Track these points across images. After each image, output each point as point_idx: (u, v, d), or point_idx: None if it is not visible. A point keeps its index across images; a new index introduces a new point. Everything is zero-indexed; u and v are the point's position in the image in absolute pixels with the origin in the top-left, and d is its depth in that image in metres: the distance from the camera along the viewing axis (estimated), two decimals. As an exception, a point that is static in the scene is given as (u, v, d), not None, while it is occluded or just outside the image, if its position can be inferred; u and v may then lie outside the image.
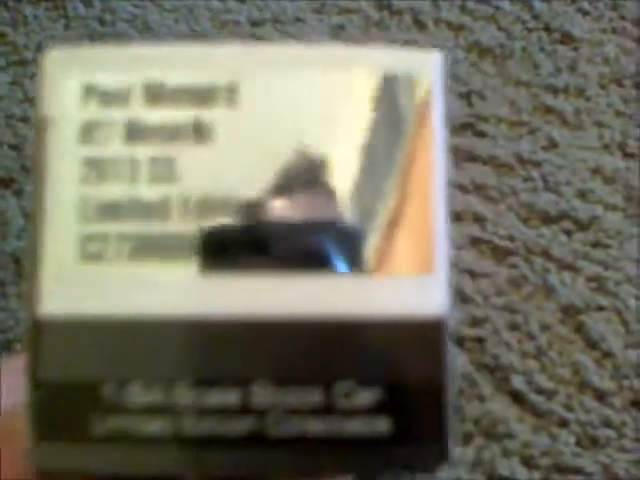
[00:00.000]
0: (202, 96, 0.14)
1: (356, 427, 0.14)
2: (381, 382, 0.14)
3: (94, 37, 0.43)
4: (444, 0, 0.42)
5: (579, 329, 0.34)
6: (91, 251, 0.14)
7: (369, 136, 0.15)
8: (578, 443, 0.32)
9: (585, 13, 0.42)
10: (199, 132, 0.14)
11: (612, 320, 0.34)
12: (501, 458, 0.32)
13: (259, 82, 0.14)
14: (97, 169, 0.14)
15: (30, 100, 0.41)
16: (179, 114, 0.14)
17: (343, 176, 0.14)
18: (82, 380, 0.14)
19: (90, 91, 0.14)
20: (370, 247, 0.14)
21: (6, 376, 0.19)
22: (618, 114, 0.39)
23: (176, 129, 0.14)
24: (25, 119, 0.40)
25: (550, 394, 0.32)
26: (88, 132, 0.14)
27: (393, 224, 0.14)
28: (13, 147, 0.40)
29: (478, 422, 0.33)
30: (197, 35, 0.44)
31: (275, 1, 0.43)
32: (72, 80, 0.14)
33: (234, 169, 0.14)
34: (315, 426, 0.14)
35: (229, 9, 0.45)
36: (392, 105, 0.15)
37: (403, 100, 0.15)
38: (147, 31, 0.43)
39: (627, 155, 0.39)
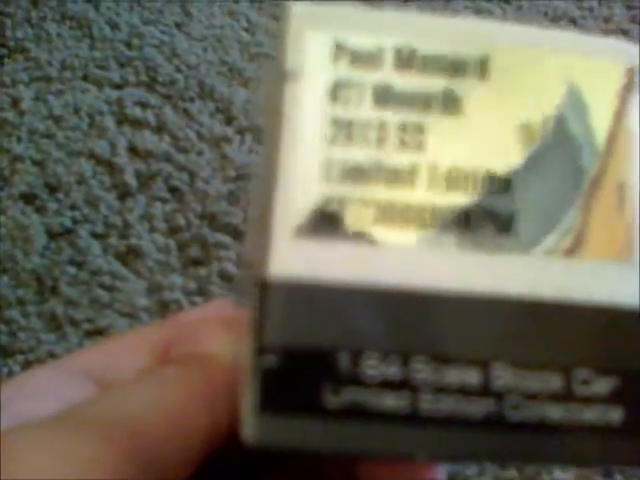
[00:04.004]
0: (453, 66, 0.14)
1: (592, 415, 0.13)
2: (616, 371, 0.14)
3: (120, 59, 0.42)
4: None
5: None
6: (331, 213, 0.13)
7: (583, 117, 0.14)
8: (622, 494, 0.32)
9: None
10: (449, 102, 0.14)
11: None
12: (544, 506, 0.31)
13: (511, 58, 0.14)
14: (344, 130, 0.14)
15: (53, 117, 0.40)
16: (429, 82, 0.14)
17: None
18: (314, 347, 0.13)
19: (341, 49, 0.14)
20: (593, 229, 0.14)
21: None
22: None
23: (426, 97, 0.14)
24: (49, 135, 0.39)
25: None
26: (337, 91, 0.14)
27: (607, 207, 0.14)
28: (36, 163, 0.39)
29: (522, 470, 0.32)
30: (226, 64, 0.43)
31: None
32: (322, 36, 0.14)
33: (483, 143, 0.14)
34: (554, 412, 0.13)
35: (258, 42, 0.45)
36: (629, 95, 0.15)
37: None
38: (175, 57, 0.43)
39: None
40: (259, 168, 0.14)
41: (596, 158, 0.14)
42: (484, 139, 0.14)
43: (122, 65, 0.42)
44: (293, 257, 0.13)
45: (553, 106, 0.14)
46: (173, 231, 0.37)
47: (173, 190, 0.38)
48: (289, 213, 0.13)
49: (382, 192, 0.14)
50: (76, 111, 0.40)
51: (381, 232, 0.13)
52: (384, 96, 0.14)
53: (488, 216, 0.14)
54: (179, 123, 0.40)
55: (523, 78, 0.14)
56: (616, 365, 0.14)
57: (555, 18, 0.45)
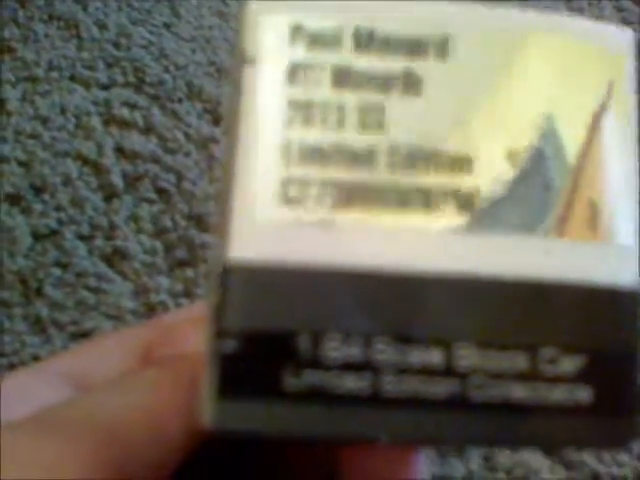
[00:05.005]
0: (413, 47, 0.14)
1: (559, 395, 0.13)
2: (584, 350, 0.13)
3: (108, 60, 0.42)
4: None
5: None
6: (291, 196, 0.13)
7: (559, 100, 0.14)
8: (611, 497, 0.32)
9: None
10: (409, 83, 0.14)
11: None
12: (532, 508, 0.31)
13: (471, 37, 0.14)
14: (303, 112, 0.14)
15: (40, 117, 0.40)
16: (389, 63, 0.14)
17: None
18: (274, 331, 0.13)
19: (298, 32, 0.14)
20: (558, 209, 0.14)
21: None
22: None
23: (385, 78, 0.14)
24: (35, 136, 0.39)
25: (582, 446, 0.31)
26: (295, 74, 0.14)
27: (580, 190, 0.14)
28: (22, 164, 0.38)
29: (510, 472, 0.32)
30: (214, 65, 0.43)
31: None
32: (279, 19, 0.14)
33: (443, 122, 0.14)
34: (519, 392, 0.13)
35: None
36: (585, 76, 0.14)
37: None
38: (163, 58, 0.42)
39: None
40: (222, 155, 0.14)
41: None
42: (444, 119, 0.14)
43: (110, 65, 0.42)
44: (253, 240, 0.13)
45: (520, 91, 0.14)
46: (160, 232, 0.37)
47: (160, 191, 0.38)
48: (249, 197, 0.13)
49: (343, 173, 0.13)
50: (63, 112, 0.40)
51: (342, 213, 0.13)
52: (343, 77, 0.14)
53: (450, 195, 0.13)
54: (167, 124, 0.40)
55: (488, 59, 0.14)
56: (584, 344, 0.13)
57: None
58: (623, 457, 0.32)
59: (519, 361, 0.13)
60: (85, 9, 0.45)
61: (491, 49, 0.14)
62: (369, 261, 0.13)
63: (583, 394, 0.13)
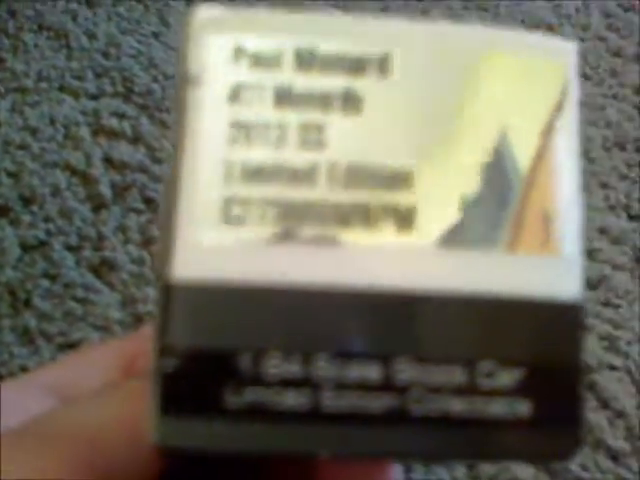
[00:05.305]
0: (353, 65, 0.14)
1: (497, 409, 0.13)
2: (522, 363, 0.14)
3: (97, 69, 0.43)
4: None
5: (591, 387, 0.34)
6: (233, 215, 0.13)
7: (509, 114, 0.14)
8: (594, 503, 0.32)
9: (587, 78, 0.43)
10: (349, 101, 0.14)
11: (624, 380, 0.34)
12: (517, 515, 0.31)
13: (414, 55, 0.14)
14: (245, 132, 0.14)
15: (29, 128, 0.40)
16: (329, 82, 0.14)
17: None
18: (216, 349, 0.13)
19: (240, 53, 0.14)
20: (507, 224, 0.14)
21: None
22: (622, 177, 0.40)
23: (326, 97, 0.14)
24: (24, 147, 0.39)
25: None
26: (237, 94, 0.14)
27: (527, 201, 0.14)
28: (11, 175, 0.39)
29: (494, 480, 0.32)
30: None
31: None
32: (222, 40, 0.14)
33: (383, 140, 0.14)
34: (457, 406, 0.13)
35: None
36: (535, 89, 0.15)
37: (545, 86, 0.15)
38: (152, 68, 0.43)
39: (632, 217, 0.39)
40: (167, 172, 0.14)
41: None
42: (384, 137, 0.14)
43: (99, 75, 0.42)
44: (195, 259, 0.13)
45: (468, 108, 0.14)
46: (147, 242, 0.37)
47: (148, 201, 0.38)
48: (191, 215, 0.13)
49: (283, 192, 0.14)
50: (52, 122, 0.40)
51: (282, 231, 0.13)
52: (285, 97, 0.14)
53: (388, 211, 0.14)
54: (155, 133, 0.40)
55: (431, 77, 0.14)
56: (523, 357, 0.14)
57: (532, 25, 0.45)
58: (607, 464, 0.33)
59: (457, 375, 0.14)
60: (74, 19, 0.45)
61: (435, 66, 0.14)
62: (308, 277, 0.14)
63: (522, 408, 0.14)
